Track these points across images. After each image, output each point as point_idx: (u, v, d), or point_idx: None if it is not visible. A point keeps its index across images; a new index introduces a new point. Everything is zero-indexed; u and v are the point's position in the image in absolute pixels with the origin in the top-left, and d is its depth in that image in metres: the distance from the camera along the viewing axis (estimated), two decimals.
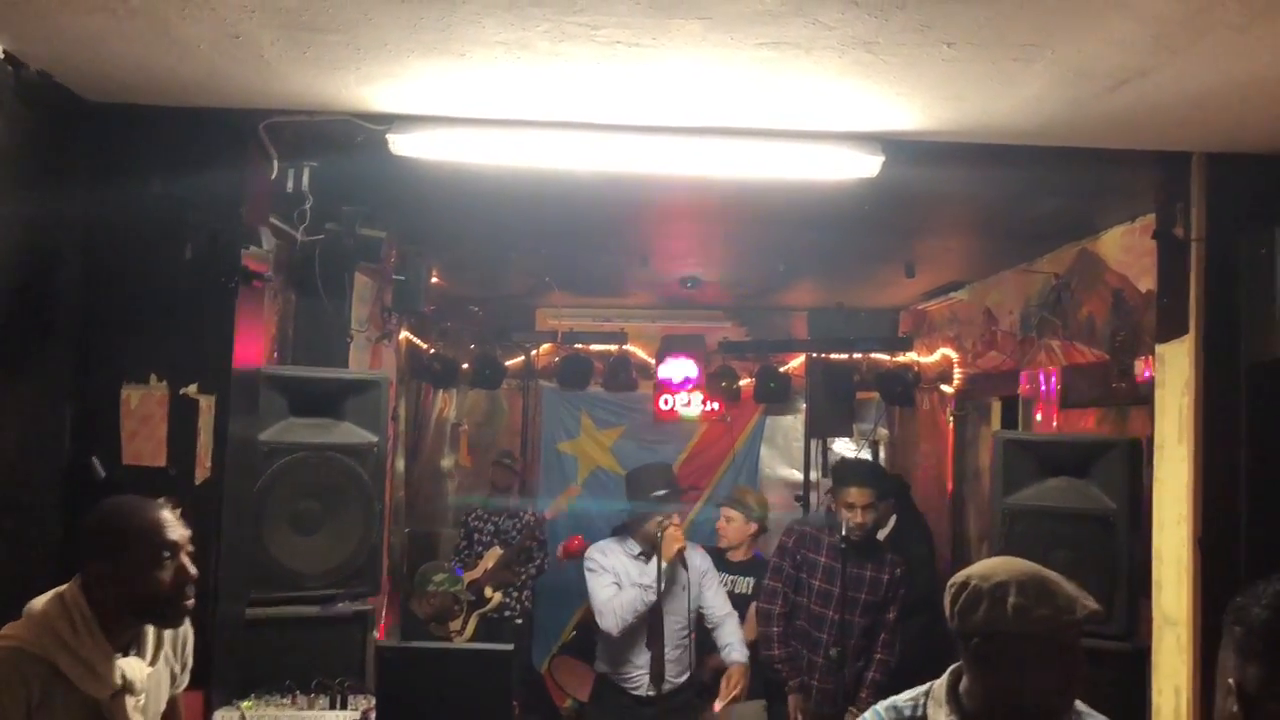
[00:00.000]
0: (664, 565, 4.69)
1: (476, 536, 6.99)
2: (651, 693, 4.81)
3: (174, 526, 2.38)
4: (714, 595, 5.00)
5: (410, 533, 7.45)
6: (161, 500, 2.46)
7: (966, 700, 2.13)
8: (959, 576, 2.18)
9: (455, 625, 6.27)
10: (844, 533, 4.71)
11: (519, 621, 6.70)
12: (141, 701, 2.35)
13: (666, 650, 4.80)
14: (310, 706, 3.47)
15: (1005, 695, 2.05)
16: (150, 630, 2.43)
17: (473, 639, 6.26)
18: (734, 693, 4.80)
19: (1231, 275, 3.51)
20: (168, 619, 2.39)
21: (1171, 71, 2.78)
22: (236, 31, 2.70)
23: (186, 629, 2.59)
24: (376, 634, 4.11)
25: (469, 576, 6.60)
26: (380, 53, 2.82)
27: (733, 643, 4.95)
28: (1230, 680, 1.58)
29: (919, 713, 2.21)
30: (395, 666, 3.44)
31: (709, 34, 2.62)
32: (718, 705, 4.86)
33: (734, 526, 5.87)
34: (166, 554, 2.33)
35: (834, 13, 2.48)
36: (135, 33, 2.72)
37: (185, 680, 2.66)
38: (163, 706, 2.55)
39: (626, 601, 4.75)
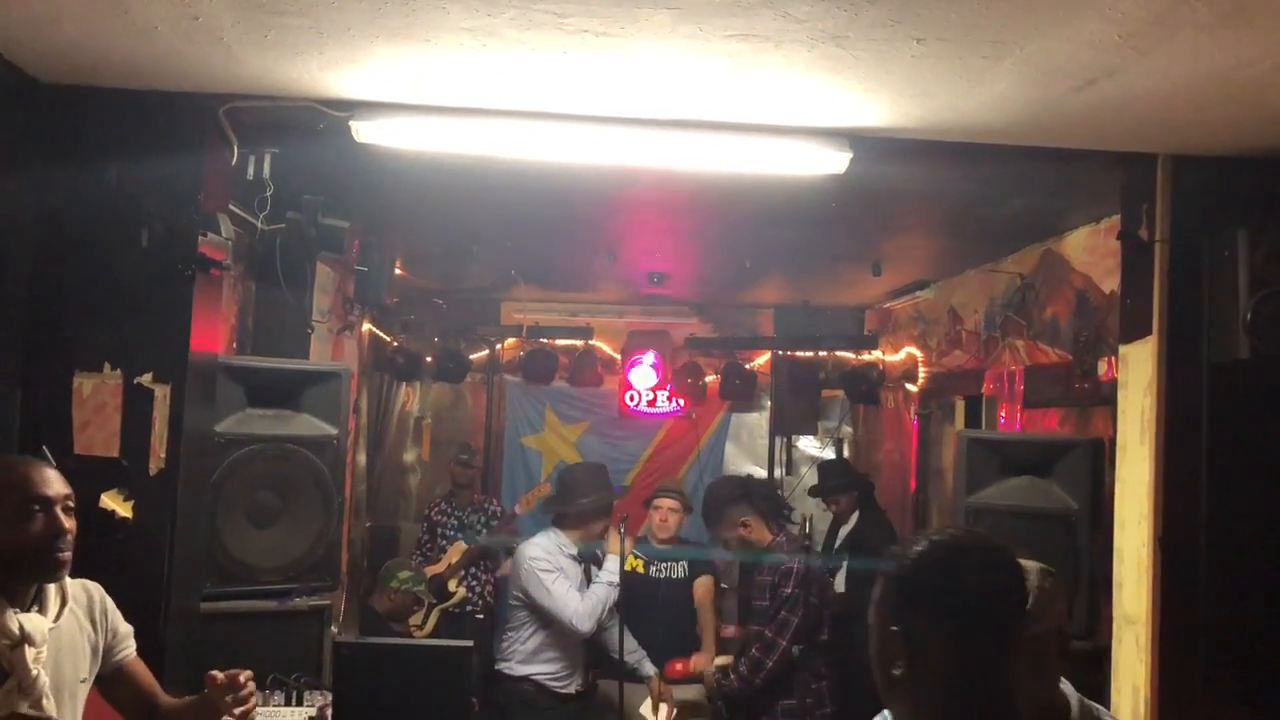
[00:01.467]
0: (613, 558, 4.81)
1: (440, 530, 6.92)
2: (577, 690, 4.85)
3: (47, 482, 2.41)
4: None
5: (371, 527, 7.38)
6: (38, 459, 2.51)
7: None
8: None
9: (416, 620, 6.21)
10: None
11: (480, 617, 6.64)
12: (42, 654, 2.36)
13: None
14: (265, 703, 3.42)
15: None
16: (52, 591, 2.46)
17: (434, 634, 6.19)
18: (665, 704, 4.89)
19: (1195, 277, 3.53)
20: (40, 572, 2.41)
21: (1139, 72, 2.79)
22: (195, 13, 2.64)
23: (102, 597, 2.62)
24: (334, 629, 4.06)
25: (431, 570, 6.53)
26: (343, 37, 2.77)
27: (640, 652, 5.06)
28: (893, 628, 1.59)
29: None
30: (353, 663, 3.38)
31: (678, 25, 2.59)
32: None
33: (676, 517, 5.84)
34: (36, 507, 2.37)
35: (804, 6, 2.46)
36: (90, 11, 2.66)
37: (129, 646, 2.68)
38: (84, 675, 2.54)
39: (601, 599, 4.77)
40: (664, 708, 4.96)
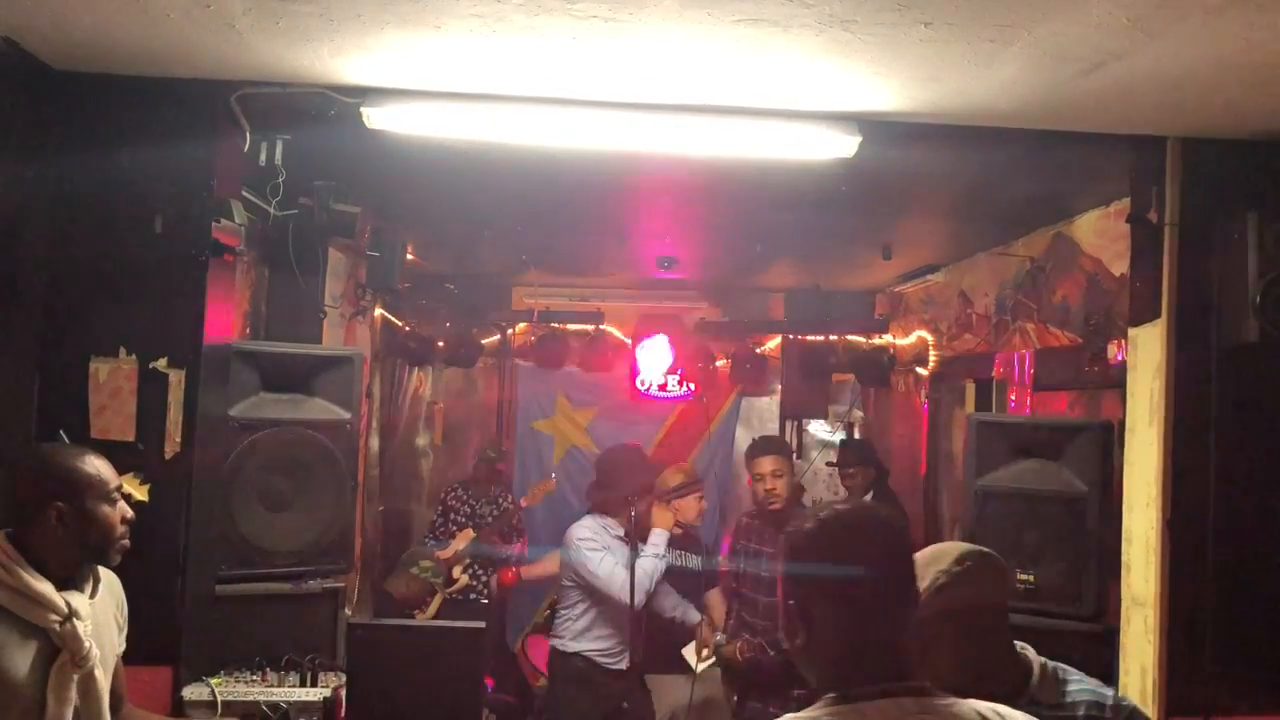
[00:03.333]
0: (664, 533, 4.96)
1: (453, 516, 6.95)
2: (626, 665, 4.89)
3: (113, 473, 2.53)
4: None
5: (384, 511, 7.42)
6: (81, 447, 2.60)
7: None
8: None
9: (418, 610, 6.26)
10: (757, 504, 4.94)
11: (484, 603, 6.67)
12: (89, 628, 2.43)
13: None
14: (280, 684, 3.46)
15: (937, 669, 2.09)
16: (88, 571, 2.54)
17: (436, 618, 6.24)
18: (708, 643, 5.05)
19: (1204, 260, 3.53)
20: (110, 558, 2.51)
21: (1147, 55, 2.79)
22: (207, 0, 2.66)
23: (119, 586, 2.71)
24: (348, 611, 4.09)
25: (441, 555, 6.57)
26: (354, 24, 2.78)
27: (682, 605, 5.23)
28: (790, 602, 1.70)
29: None
30: (366, 643, 3.42)
31: (686, 9, 2.60)
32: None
33: (700, 505, 5.87)
34: (115, 497, 2.49)
35: None
36: (102, 0, 2.68)
37: (123, 643, 2.73)
38: (118, 651, 2.65)
39: (648, 572, 4.87)
40: (705, 651, 5.17)
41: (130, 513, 2.52)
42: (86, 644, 2.40)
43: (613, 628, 5.01)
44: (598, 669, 4.98)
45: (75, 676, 2.39)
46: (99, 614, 2.53)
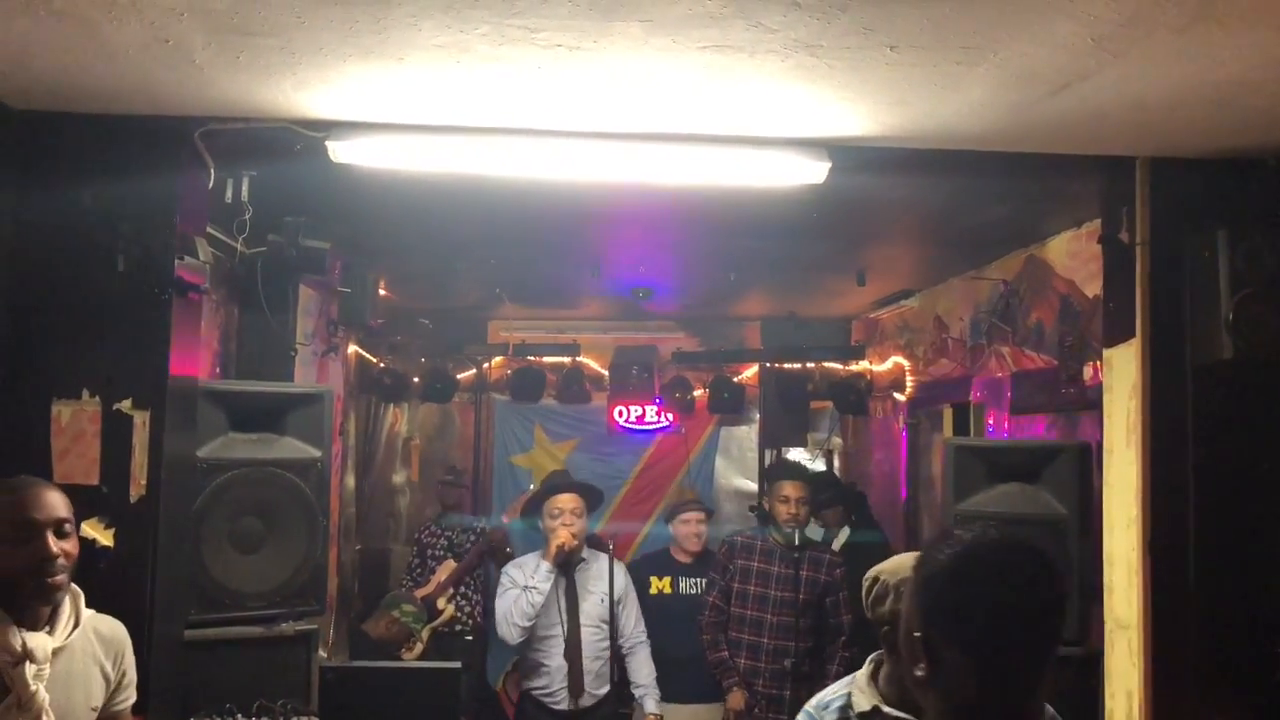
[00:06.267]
0: (545, 564, 4.70)
1: (430, 553, 6.89)
2: (570, 707, 4.76)
3: (38, 505, 2.42)
4: (626, 617, 4.95)
5: (361, 550, 7.34)
6: (36, 480, 2.52)
7: (884, 685, 2.33)
8: (871, 572, 2.46)
9: (407, 652, 6.18)
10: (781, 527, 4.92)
11: (469, 638, 6.60)
12: (45, 671, 2.37)
13: (585, 661, 4.74)
14: None
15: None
16: (65, 613, 2.48)
17: (424, 654, 6.16)
18: None
19: (1176, 278, 3.53)
20: (34, 595, 2.41)
21: (1113, 74, 2.79)
22: (166, 35, 2.62)
23: (124, 639, 2.66)
24: (323, 654, 4.02)
25: (422, 592, 6.50)
26: (316, 57, 2.75)
27: (646, 686, 4.92)
28: (916, 633, 1.56)
29: (845, 701, 2.36)
30: (339, 687, 3.36)
31: (651, 37, 2.58)
32: None
33: (704, 529, 5.81)
34: (24, 532, 2.38)
35: (776, 15, 2.45)
36: (60, 37, 2.64)
37: (130, 696, 2.67)
38: (95, 704, 2.55)
39: (509, 604, 4.72)
40: None
41: (53, 548, 2.39)
42: (33, 688, 2.34)
43: (544, 664, 4.86)
44: (543, 709, 4.86)
45: None
46: (74, 661, 2.47)
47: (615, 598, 4.82)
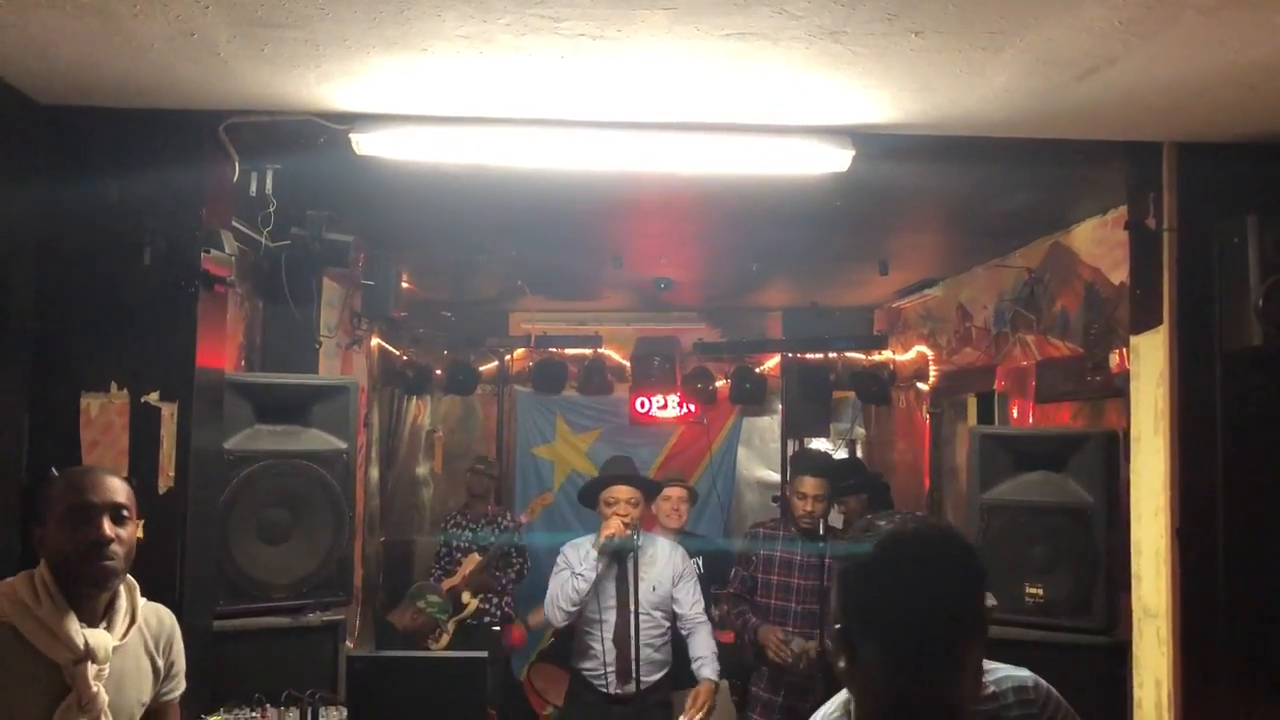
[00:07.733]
0: (593, 551, 4.70)
1: (455, 544, 6.91)
2: (619, 690, 4.76)
3: (94, 488, 2.40)
4: (686, 598, 4.94)
5: (385, 542, 7.37)
6: (99, 468, 2.57)
7: None
8: None
9: (433, 643, 6.20)
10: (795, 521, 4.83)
11: (496, 628, 6.62)
12: (105, 671, 2.36)
13: (641, 647, 4.74)
14: (280, 719, 3.41)
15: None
16: (122, 608, 2.46)
17: (450, 646, 6.19)
18: (699, 713, 4.72)
19: (1204, 265, 3.50)
20: (87, 580, 2.38)
21: (1140, 59, 2.76)
22: (190, 29, 2.64)
23: (173, 626, 2.64)
24: (349, 644, 4.04)
25: (447, 584, 6.52)
26: (339, 49, 2.76)
27: (704, 657, 4.85)
28: (836, 625, 1.55)
29: (846, 697, 2.27)
30: (367, 676, 3.38)
31: (674, 25, 2.58)
32: None
33: (685, 506, 5.85)
34: (80, 514, 2.36)
35: (800, 2, 2.44)
36: (86, 32, 2.66)
37: (179, 686, 2.66)
38: (144, 698, 2.54)
39: (558, 588, 4.73)
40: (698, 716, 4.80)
41: (110, 531, 2.37)
42: (94, 688, 2.33)
43: (592, 646, 4.84)
44: (593, 690, 4.86)
45: None
46: (127, 657, 2.46)
47: (669, 576, 4.84)
